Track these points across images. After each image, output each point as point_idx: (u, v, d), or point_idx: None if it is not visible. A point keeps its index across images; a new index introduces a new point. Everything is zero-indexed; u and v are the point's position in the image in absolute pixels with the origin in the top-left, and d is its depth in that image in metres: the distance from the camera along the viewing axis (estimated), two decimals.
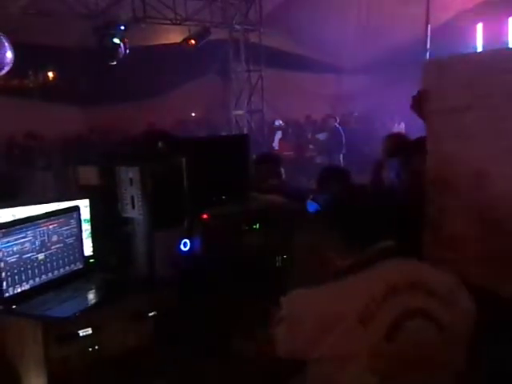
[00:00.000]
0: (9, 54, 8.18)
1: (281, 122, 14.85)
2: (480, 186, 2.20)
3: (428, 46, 10.04)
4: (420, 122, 2.53)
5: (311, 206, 3.00)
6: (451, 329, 1.68)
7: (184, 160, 2.48)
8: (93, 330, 2.13)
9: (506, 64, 2.10)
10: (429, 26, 10.12)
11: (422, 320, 1.65)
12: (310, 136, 13.86)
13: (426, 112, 2.42)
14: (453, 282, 1.77)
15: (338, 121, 13.64)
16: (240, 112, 13.33)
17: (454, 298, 1.73)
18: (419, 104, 2.45)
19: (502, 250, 2.13)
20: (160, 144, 2.48)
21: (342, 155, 12.40)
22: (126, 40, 10.00)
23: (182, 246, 2.43)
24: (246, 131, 12.74)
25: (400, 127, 14.67)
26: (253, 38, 12.75)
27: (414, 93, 2.50)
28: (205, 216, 2.54)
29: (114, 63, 10.09)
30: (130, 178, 2.38)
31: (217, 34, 12.13)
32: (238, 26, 12.49)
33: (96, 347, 2.14)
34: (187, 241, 2.45)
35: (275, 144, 13.90)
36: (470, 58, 2.27)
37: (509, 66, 2.09)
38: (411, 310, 1.66)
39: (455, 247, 2.25)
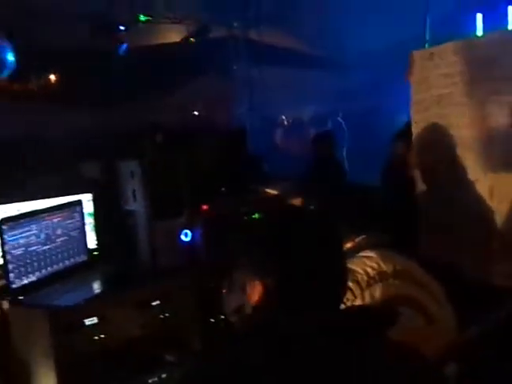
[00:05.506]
0: (9, 56, 8.23)
1: (284, 119, 14.86)
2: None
3: (427, 37, 10.01)
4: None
5: None
6: (440, 324, 1.65)
7: (183, 153, 2.53)
8: (98, 319, 2.18)
9: (481, 51, 2.16)
10: (427, 17, 10.09)
11: (409, 309, 1.61)
12: (312, 132, 13.87)
13: (411, 103, 2.48)
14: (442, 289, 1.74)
15: (340, 115, 13.64)
16: (241, 110, 13.36)
17: (444, 300, 1.71)
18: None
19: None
20: (158, 137, 2.54)
21: (345, 150, 12.40)
22: (126, 40, 10.04)
23: (183, 236, 2.49)
24: (248, 128, 12.77)
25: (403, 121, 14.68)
26: (253, 35, 12.77)
27: None
28: (204, 207, 2.60)
29: (115, 64, 10.13)
30: (130, 171, 2.44)
31: (217, 33, 12.15)
32: (236, 24, 12.51)
33: (102, 336, 2.19)
34: (188, 231, 2.51)
35: (277, 140, 13.94)
36: (449, 47, 2.32)
37: (482, 52, 2.14)
38: (401, 296, 1.63)
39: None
